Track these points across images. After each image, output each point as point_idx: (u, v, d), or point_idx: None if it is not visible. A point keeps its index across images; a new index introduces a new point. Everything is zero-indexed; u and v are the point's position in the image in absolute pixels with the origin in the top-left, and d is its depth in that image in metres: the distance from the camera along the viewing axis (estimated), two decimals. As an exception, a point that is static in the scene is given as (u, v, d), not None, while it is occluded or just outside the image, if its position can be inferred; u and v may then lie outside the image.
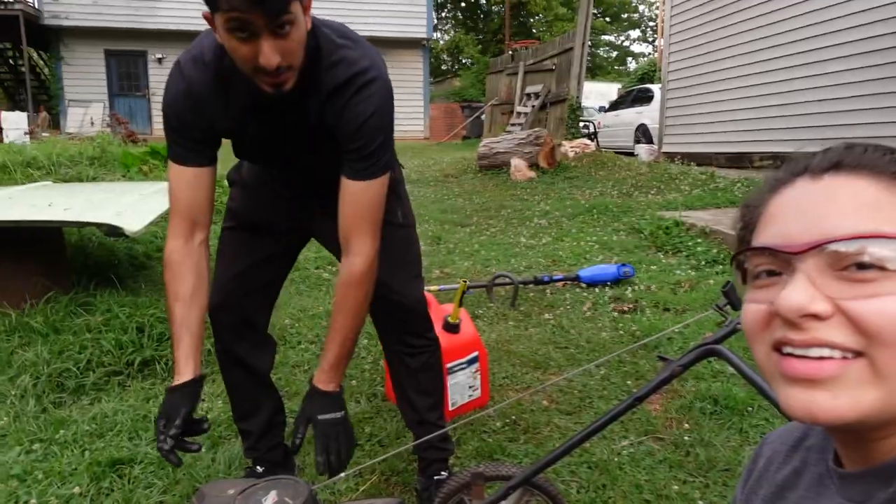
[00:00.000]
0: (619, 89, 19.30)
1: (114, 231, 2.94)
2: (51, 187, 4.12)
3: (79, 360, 2.56)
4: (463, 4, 34.64)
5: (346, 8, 15.88)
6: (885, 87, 5.75)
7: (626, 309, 3.41)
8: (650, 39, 39.58)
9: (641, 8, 38.51)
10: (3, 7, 14.37)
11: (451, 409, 2.30)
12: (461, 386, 2.32)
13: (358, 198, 1.37)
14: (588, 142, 8.74)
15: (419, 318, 1.73)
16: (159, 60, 15.86)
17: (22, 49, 15.05)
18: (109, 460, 1.99)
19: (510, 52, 14.19)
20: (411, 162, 10.39)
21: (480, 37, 32.48)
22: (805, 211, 0.51)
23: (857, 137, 5.79)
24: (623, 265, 3.83)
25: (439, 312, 2.35)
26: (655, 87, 13.45)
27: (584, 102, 11.82)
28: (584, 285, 3.76)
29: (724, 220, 4.78)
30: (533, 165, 7.33)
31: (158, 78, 15.98)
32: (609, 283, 3.75)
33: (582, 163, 7.77)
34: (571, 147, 8.11)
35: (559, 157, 7.55)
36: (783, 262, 0.51)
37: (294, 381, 2.63)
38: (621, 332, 3.13)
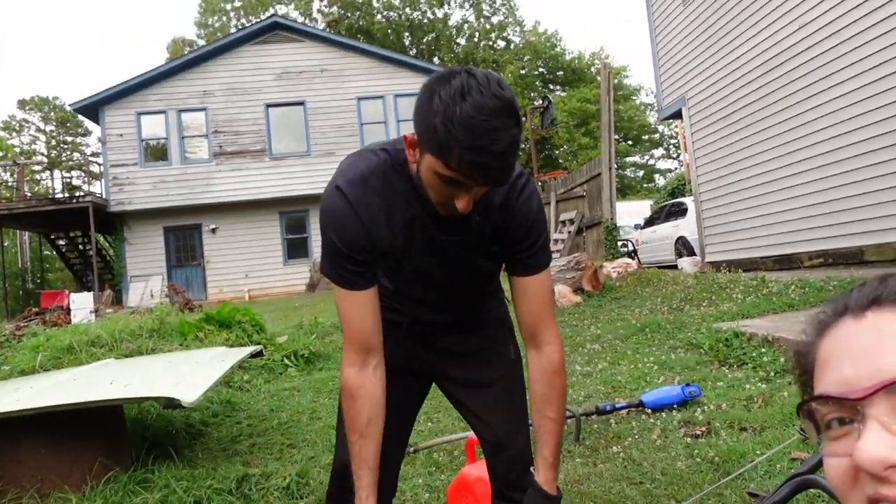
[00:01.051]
0: (651, 206, 19.57)
1: (171, 403, 2.99)
2: (112, 364, 4.27)
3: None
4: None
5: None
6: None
7: (698, 433, 3.19)
8: (674, 155, 40.71)
9: (661, 128, 40.05)
10: (75, 200, 15.86)
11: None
12: (533, 538, 2.15)
13: (540, 288, 1.44)
14: (629, 260, 8.73)
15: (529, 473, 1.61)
16: (213, 231, 16.95)
17: (90, 235, 16.35)
18: None
19: (540, 184, 14.71)
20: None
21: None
22: (857, 354, 0.51)
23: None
24: (688, 385, 3.65)
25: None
26: (688, 200, 13.61)
27: (619, 222, 11.99)
28: (649, 411, 3.57)
29: (784, 326, 4.58)
30: (578, 290, 7.30)
31: (212, 246, 17.00)
32: (676, 406, 3.56)
33: (626, 282, 7.70)
34: (613, 268, 8.10)
35: (602, 278, 7.52)
36: (850, 409, 0.49)
37: None
38: (698, 459, 2.91)
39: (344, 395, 1.39)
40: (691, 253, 11.33)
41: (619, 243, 11.43)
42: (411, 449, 3.41)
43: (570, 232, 11.26)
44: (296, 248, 17.45)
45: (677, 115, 10.56)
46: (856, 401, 0.48)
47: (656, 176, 40.89)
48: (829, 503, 2.34)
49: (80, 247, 19.62)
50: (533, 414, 1.48)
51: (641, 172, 41.79)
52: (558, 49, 37.19)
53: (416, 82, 17.47)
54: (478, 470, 2.28)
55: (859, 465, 0.47)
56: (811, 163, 7.18)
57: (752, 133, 8.24)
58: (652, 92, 35.66)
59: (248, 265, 16.83)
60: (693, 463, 2.89)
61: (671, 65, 10.42)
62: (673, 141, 39.33)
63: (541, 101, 19.82)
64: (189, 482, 2.84)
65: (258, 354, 4.34)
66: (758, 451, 2.85)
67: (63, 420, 2.87)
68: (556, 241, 11.55)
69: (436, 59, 18.22)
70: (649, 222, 14.23)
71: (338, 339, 6.41)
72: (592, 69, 35.52)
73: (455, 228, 1.36)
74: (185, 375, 3.26)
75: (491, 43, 36.79)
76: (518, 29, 37.98)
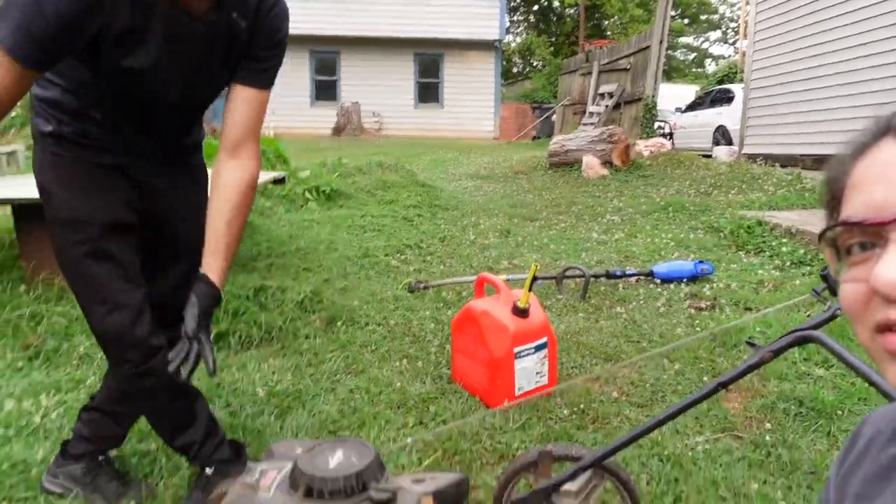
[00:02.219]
0: (696, 92, 18.65)
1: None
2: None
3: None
4: (536, 7, 34.37)
5: (419, 10, 16.08)
6: None
7: (703, 306, 3.26)
8: (731, 41, 38.08)
9: (722, 9, 37.11)
10: None
11: (516, 394, 2.26)
12: (528, 371, 2.27)
13: (257, 104, 1.44)
14: (664, 141, 8.46)
15: None
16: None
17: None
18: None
19: (584, 53, 13.96)
20: (481, 159, 10.37)
21: (553, 39, 32.10)
22: (891, 176, 0.47)
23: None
24: (701, 262, 3.67)
25: (508, 297, 2.31)
26: (736, 88, 12.90)
27: (660, 105, 11.48)
28: (658, 281, 3.62)
29: (812, 221, 4.51)
30: (606, 163, 7.16)
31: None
32: (685, 280, 3.60)
33: (657, 161, 7.52)
34: (647, 146, 7.88)
35: (633, 155, 7.34)
36: (874, 234, 0.47)
37: (361, 359, 2.65)
38: (698, 328, 2.99)
39: None
40: (729, 143, 10.95)
41: (657, 125, 11.03)
42: (422, 285, 3.53)
43: (607, 105, 10.83)
44: (324, 91, 17.08)
45: (746, -10, 9.71)
46: (881, 225, 0.46)
47: (707, 61, 38.59)
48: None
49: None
50: (216, 220, 1.39)
51: (693, 56, 39.38)
52: None
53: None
54: (484, 304, 2.35)
55: (874, 287, 0.45)
56: (875, 71, 6.68)
57: (818, 21, 7.60)
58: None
59: (276, 102, 16.49)
60: (692, 332, 2.97)
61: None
62: (733, 25, 36.63)
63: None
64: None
65: (281, 181, 4.37)
66: (758, 329, 2.92)
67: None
68: (591, 113, 11.16)
69: None
70: (691, 107, 13.62)
71: (360, 180, 6.44)
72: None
73: (208, 22, 1.28)
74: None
75: None
76: None
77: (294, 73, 16.74)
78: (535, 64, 31.20)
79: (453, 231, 4.96)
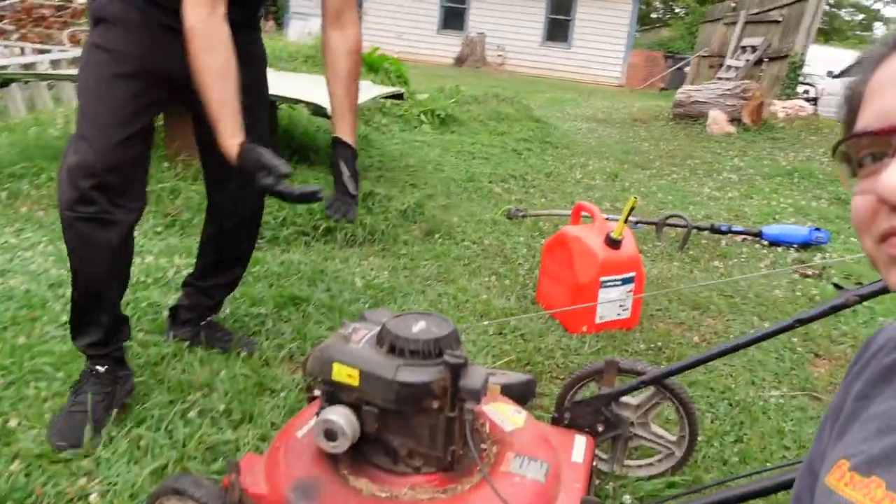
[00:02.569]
0: (856, 57, 16.79)
1: (318, 110, 3.26)
2: (269, 73, 4.61)
3: (276, 217, 2.94)
4: (688, -52, 31.70)
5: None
6: None
7: (809, 273, 3.12)
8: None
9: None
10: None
11: (596, 322, 2.32)
12: (611, 302, 2.32)
13: None
14: (805, 104, 7.80)
15: None
16: (375, -18, 16.64)
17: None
18: (290, 296, 2.30)
19: (732, 2, 12.89)
20: (600, 103, 10.05)
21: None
22: None
23: None
24: (817, 229, 3.48)
25: (603, 228, 2.35)
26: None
27: (810, 68, 10.49)
28: (765, 243, 3.48)
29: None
30: (734, 120, 6.74)
31: (374, 2, 16.81)
32: (796, 246, 3.44)
33: (792, 125, 6.99)
34: (784, 107, 7.31)
35: (766, 115, 6.85)
36: (884, 143, 0.46)
37: (453, 270, 2.79)
38: (798, 294, 2.88)
39: (195, 37, 1.28)
40: None
41: (801, 88, 10.14)
42: (520, 213, 3.61)
43: (748, 60, 10.03)
44: (452, 18, 16.93)
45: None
46: (889, 132, 0.45)
47: (876, 24, 34.35)
48: None
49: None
50: (335, 87, 1.56)
51: (860, 17, 35.17)
52: None
53: None
54: (577, 230, 2.40)
55: (879, 195, 0.45)
56: None
57: None
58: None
59: (402, 27, 16.65)
60: (791, 296, 2.87)
61: None
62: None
63: None
64: (324, 184, 3.21)
65: (399, 97, 4.51)
66: (865, 305, 2.77)
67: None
68: (729, 67, 10.39)
69: None
70: (845, 73, 12.35)
71: (474, 109, 6.47)
72: None
73: None
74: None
75: None
76: None
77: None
78: (676, 11, 29.10)
79: (560, 168, 4.94)
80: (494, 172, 4.50)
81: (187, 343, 1.90)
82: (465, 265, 2.89)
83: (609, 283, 2.30)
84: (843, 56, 17.97)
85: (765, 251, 3.39)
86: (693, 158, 5.64)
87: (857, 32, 32.58)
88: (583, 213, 2.49)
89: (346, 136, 1.57)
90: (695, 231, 3.42)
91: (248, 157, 1.34)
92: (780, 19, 9.79)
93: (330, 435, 1.30)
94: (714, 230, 3.47)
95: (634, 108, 8.66)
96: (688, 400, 1.53)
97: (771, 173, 5.16)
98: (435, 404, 1.27)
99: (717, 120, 6.52)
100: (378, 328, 1.40)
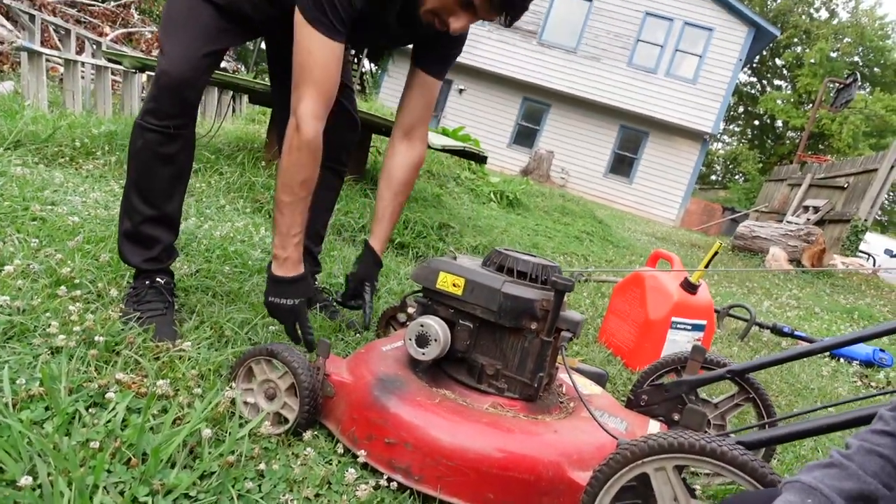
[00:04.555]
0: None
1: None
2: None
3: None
4: (756, 122, 33.12)
5: (641, 85, 16.31)
6: None
7: (873, 385, 3.03)
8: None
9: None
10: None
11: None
12: (678, 345, 2.31)
13: (433, 91, 1.64)
14: (865, 262, 7.78)
15: None
16: (460, 91, 17.81)
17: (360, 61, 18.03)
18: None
19: (799, 164, 13.25)
20: (659, 228, 10.19)
21: (763, 157, 30.63)
22: None
23: None
24: (881, 350, 3.41)
25: (680, 275, 2.39)
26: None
27: (864, 246, 10.55)
28: (826, 354, 3.41)
29: None
30: (793, 261, 6.76)
31: (453, 106, 17.91)
32: (858, 362, 3.36)
33: (851, 278, 6.96)
34: (843, 261, 7.31)
35: (826, 263, 6.86)
36: None
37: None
38: (860, 389, 2.80)
39: (304, 149, 1.36)
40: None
41: (861, 253, 10.13)
42: (583, 277, 3.66)
43: (808, 219, 10.18)
44: (523, 136, 17.81)
45: None
46: None
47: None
48: None
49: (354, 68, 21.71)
50: (385, 191, 1.69)
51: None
52: (890, 42, 31.50)
53: (711, 16, 16.14)
54: (654, 272, 2.45)
55: None
56: None
57: None
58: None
59: (477, 134, 17.58)
60: (853, 389, 2.79)
61: None
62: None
63: (846, 77, 17.31)
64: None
65: (481, 160, 4.73)
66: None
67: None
68: (789, 222, 10.53)
69: (742, 4, 16.49)
70: (904, 254, 12.36)
71: (541, 201, 6.69)
72: (920, 77, 29.81)
73: (409, 28, 1.50)
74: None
75: (811, 8, 32.18)
76: (851, 2, 32.63)
77: (502, 114, 17.70)
78: (736, 177, 29.88)
79: (619, 260, 5.01)
80: (557, 248, 4.60)
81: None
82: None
83: (679, 325, 2.30)
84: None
85: (826, 359, 3.32)
86: (751, 281, 5.64)
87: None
88: (661, 260, 2.55)
89: (378, 242, 1.70)
90: (756, 327, 3.39)
91: (283, 302, 1.46)
92: (846, 186, 9.99)
93: (422, 340, 1.34)
94: (776, 330, 3.43)
95: (693, 237, 8.76)
96: (769, 401, 1.51)
97: (830, 307, 5.11)
98: (534, 325, 1.30)
99: (777, 257, 6.55)
100: (481, 259, 1.47)
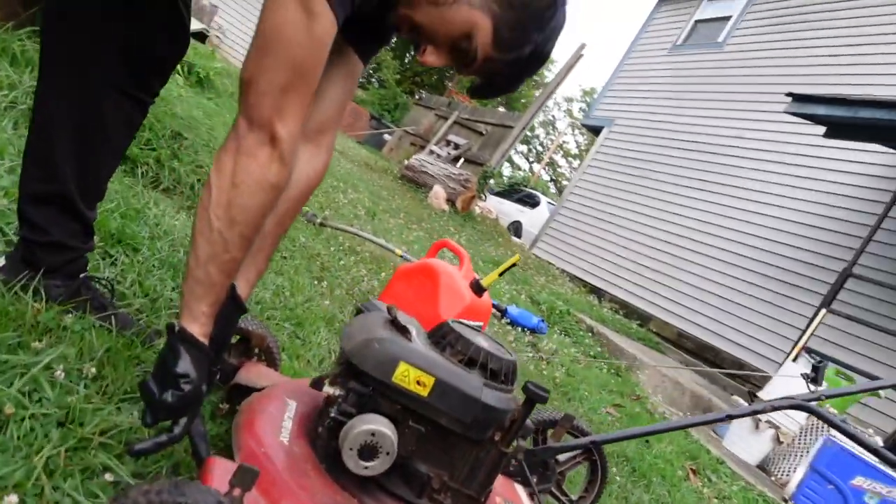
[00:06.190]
0: (492, 182, 20.71)
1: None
2: None
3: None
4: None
5: None
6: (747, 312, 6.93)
7: (544, 357, 3.65)
8: (530, 159, 43.02)
9: (539, 131, 41.93)
10: None
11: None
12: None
13: (356, 83, 1.23)
14: (492, 209, 9.22)
15: None
16: None
17: None
18: (114, 231, 1.71)
19: (448, 98, 14.65)
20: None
21: (405, 72, 32.57)
22: None
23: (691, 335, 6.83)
24: (542, 320, 4.11)
25: (469, 272, 2.38)
26: (542, 197, 14.74)
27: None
28: (507, 321, 3.94)
29: (603, 330, 5.33)
30: (449, 201, 7.55)
31: None
32: (528, 330, 3.98)
33: (485, 223, 8.17)
34: (481, 206, 8.51)
35: (472, 207, 7.88)
36: None
37: (276, 261, 2.43)
38: (541, 371, 3.34)
39: (279, 187, 0.99)
40: (517, 237, 12.38)
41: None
42: (317, 219, 3.36)
43: (449, 153, 11.46)
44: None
45: (596, 130, 11.35)
46: None
47: (507, 165, 43.01)
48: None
49: None
50: (267, 222, 1.12)
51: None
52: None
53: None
54: (446, 266, 2.39)
55: None
56: (661, 233, 8.28)
57: (643, 176, 9.20)
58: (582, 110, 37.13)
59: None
60: (531, 359, 3.32)
61: (621, 87, 11.17)
62: (538, 146, 41.54)
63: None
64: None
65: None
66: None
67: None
68: (431, 152, 11.67)
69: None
70: (499, 194, 15.10)
71: (226, 83, 5.82)
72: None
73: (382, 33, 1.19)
74: None
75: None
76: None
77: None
78: (372, 80, 31.19)
79: (327, 188, 4.78)
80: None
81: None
82: (285, 258, 2.55)
83: (463, 327, 2.31)
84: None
85: (508, 326, 3.84)
86: (425, 222, 6.09)
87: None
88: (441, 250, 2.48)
89: (245, 284, 1.14)
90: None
91: (192, 379, 0.96)
92: (484, 133, 11.53)
93: (369, 452, 1.01)
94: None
95: (363, 153, 8.95)
96: (607, 465, 1.64)
97: (486, 258, 5.90)
98: (497, 436, 1.10)
99: (438, 195, 7.21)
100: (417, 328, 1.17)
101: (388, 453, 1.02)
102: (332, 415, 1.05)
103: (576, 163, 36.61)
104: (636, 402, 3.77)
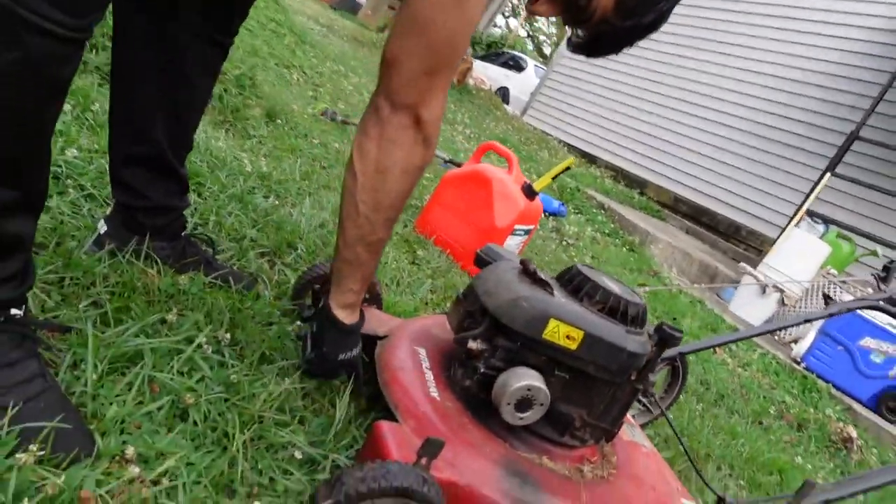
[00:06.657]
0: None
1: None
2: None
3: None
4: None
5: None
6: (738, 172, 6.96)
7: (569, 242, 3.71)
8: (506, 13, 40.84)
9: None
10: None
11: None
12: (509, 248, 2.34)
13: None
14: (486, 80, 8.89)
15: None
16: None
17: None
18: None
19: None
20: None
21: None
22: None
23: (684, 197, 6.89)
24: (562, 204, 4.13)
25: (519, 175, 2.35)
26: (529, 60, 14.14)
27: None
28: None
29: (613, 206, 5.39)
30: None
31: None
32: (548, 214, 4.01)
33: (481, 96, 7.92)
34: (475, 76, 8.19)
35: (467, 79, 7.60)
36: None
37: (318, 172, 2.36)
38: (564, 254, 3.41)
39: (423, 168, 0.97)
40: (506, 103, 12.05)
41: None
42: (337, 117, 3.23)
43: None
44: None
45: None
46: None
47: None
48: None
49: None
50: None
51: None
52: None
53: None
54: (497, 172, 2.35)
55: None
56: (656, 96, 8.12)
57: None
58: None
59: None
60: (557, 245, 3.40)
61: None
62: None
63: None
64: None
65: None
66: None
67: None
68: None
69: None
70: (481, 58, 14.44)
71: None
72: None
73: None
74: None
75: None
76: None
77: None
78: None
79: (312, 62, 4.53)
80: (274, 54, 3.85)
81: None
82: (325, 168, 2.48)
83: (517, 232, 2.32)
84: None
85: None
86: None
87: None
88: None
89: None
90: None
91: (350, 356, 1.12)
92: None
93: (524, 405, 1.05)
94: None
95: (348, 25, 8.40)
96: (688, 372, 1.73)
97: (488, 135, 5.80)
98: (634, 374, 1.15)
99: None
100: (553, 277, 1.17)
101: (541, 404, 1.07)
102: (482, 370, 1.08)
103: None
104: (655, 279, 3.91)
